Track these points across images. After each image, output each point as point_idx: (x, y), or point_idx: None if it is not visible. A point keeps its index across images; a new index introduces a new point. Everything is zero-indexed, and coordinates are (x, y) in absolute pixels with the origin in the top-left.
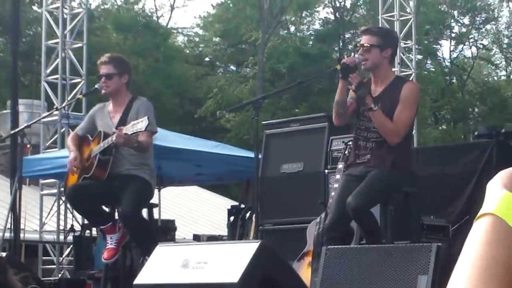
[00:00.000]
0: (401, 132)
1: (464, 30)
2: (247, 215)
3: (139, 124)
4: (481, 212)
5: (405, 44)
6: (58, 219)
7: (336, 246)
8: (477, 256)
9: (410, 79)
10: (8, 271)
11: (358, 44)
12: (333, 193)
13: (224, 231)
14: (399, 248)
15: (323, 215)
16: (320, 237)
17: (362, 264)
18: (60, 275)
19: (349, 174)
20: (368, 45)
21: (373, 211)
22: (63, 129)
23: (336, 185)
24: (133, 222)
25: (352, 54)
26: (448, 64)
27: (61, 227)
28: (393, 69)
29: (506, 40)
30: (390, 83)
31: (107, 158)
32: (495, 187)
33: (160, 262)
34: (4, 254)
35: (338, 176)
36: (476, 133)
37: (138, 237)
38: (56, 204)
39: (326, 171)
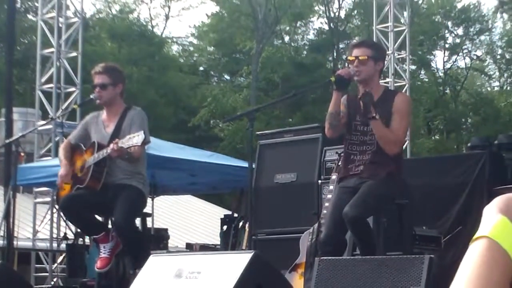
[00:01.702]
0: (401, 141)
1: (458, 41)
2: (240, 224)
3: (135, 139)
4: (477, 235)
5: (399, 54)
6: (51, 227)
7: (329, 258)
8: (473, 276)
9: (404, 89)
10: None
11: (350, 57)
12: (326, 204)
13: (217, 240)
14: (391, 259)
15: (316, 225)
16: (314, 247)
17: (355, 276)
18: (52, 283)
19: (343, 187)
20: (366, 57)
21: None
22: (57, 138)
23: (329, 196)
24: (126, 232)
25: (347, 65)
26: (441, 74)
27: (54, 235)
28: (388, 80)
29: (499, 51)
30: (381, 95)
31: (101, 169)
32: (491, 212)
33: (153, 272)
34: None
35: (331, 187)
36: (469, 144)
37: (131, 246)
38: (49, 212)
39: (319, 181)
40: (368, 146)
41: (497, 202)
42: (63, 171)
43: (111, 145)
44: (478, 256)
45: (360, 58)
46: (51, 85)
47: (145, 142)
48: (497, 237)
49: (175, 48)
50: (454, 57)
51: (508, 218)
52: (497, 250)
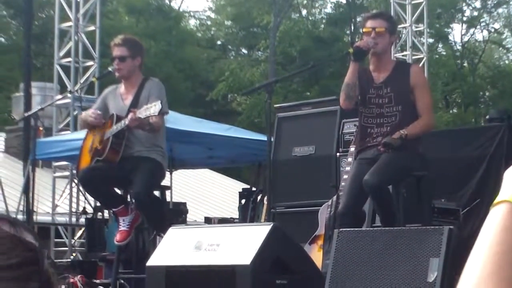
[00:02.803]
0: (433, 115)
1: (475, 13)
2: (258, 198)
3: (152, 109)
4: (497, 199)
5: (416, 27)
6: (71, 201)
7: (348, 229)
8: (494, 242)
9: (422, 63)
10: (44, 260)
11: (366, 28)
12: (345, 176)
13: (235, 214)
14: (411, 231)
15: (334, 198)
16: (332, 220)
17: (374, 247)
18: (72, 257)
19: (362, 158)
20: (383, 29)
21: None
22: (76, 112)
23: (347, 168)
24: (145, 204)
25: (362, 37)
26: (459, 47)
27: (73, 210)
28: (406, 53)
29: None
30: (394, 68)
31: (120, 141)
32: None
33: (173, 244)
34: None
35: (350, 159)
36: (487, 117)
37: (151, 217)
38: (68, 186)
39: (337, 154)
40: (386, 119)
41: None
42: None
43: (129, 116)
44: (499, 221)
45: (377, 30)
46: (69, 59)
47: (163, 112)
48: None
49: (192, 22)
50: (471, 30)
51: None
52: None
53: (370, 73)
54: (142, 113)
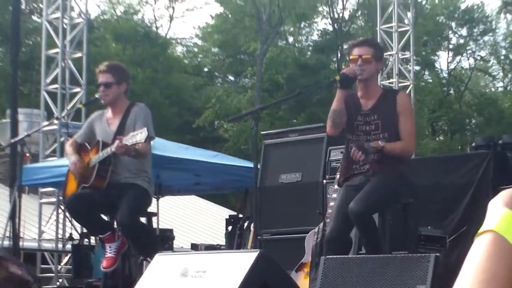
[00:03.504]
0: (413, 142)
1: (461, 41)
2: (245, 224)
3: (139, 136)
4: (482, 228)
5: (403, 55)
6: (57, 227)
7: (334, 256)
8: (479, 271)
9: (408, 90)
10: (8, 265)
11: (352, 56)
12: (331, 203)
13: (221, 241)
14: (397, 258)
15: (321, 225)
16: (319, 247)
17: (361, 274)
18: (58, 284)
19: (348, 185)
20: (369, 56)
21: None
22: (63, 138)
23: (334, 195)
24: (131, 230)
25: (348, 64)
26: (445, 75)
27: (60, 236)
28: (392, 80)
29: (503, 52)
30: (381, 95)
31: (106, 167)
32: (496, 205)
33: (159, 271)
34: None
35: (336, 186)
36: (473, 144)
37: (137, 244)
38: (55, 212)
39: (324, 181)
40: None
41: (503, 196)
42: (74, 158)
43: (116, 143)
44: (484, 250)
45: (363, 57)
46: (56, 85)
47: (150, 138)
48: (503, 231)
49: (179, 49)
50: (458, 58)
51: None
52: (503, 245)
53: (358, 99)
54: (128, 140)
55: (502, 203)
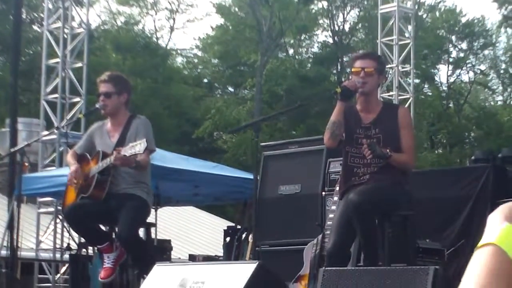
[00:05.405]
0: (413, 156)
1: (461, 55)
2: (243, 236)
3: (137, 147)
4: (482, 241)
5: (403, 68)
6: (55, 237)
7: (333, 268)
8: (478, 284)
9: (408, 103)
10: None
11: (355, 68)
12: (331, 215)
13: (220, 252)
14: (396, 270)
15: (320, 237)
16: (317, 259)
17: (359, 286)
18: None
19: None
20: (372, 69)
21: None
22: (62, 148)
23: (333, 207)
24: (130, 242)
25: (350, 77)
26: (445, 88)
27: (58, 246)
28: (392, 93)
29: (503, 66)
30: (382, 109)
31: (105, 178)
32: (496, 219)
33: (157, 282)
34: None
35: (335, 198)
36: (472, 157)
37: (135, 255)
38: (53, 222)
39: (323, 193)
40: (374, 159)
41: (502, 209)
42: (73, 168)
43: (114, 154)
44: (484, 263)
45: (366, 70)
46: (55, 95)
47: (150, 150)
48: (503, 244)
49: (179, 60)
50: (457, 71)
51: None
52: (503, 258)
53: (357, 112)
54: (127, 151)
55: (502, 216)
